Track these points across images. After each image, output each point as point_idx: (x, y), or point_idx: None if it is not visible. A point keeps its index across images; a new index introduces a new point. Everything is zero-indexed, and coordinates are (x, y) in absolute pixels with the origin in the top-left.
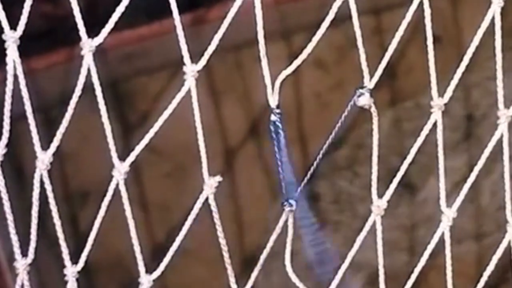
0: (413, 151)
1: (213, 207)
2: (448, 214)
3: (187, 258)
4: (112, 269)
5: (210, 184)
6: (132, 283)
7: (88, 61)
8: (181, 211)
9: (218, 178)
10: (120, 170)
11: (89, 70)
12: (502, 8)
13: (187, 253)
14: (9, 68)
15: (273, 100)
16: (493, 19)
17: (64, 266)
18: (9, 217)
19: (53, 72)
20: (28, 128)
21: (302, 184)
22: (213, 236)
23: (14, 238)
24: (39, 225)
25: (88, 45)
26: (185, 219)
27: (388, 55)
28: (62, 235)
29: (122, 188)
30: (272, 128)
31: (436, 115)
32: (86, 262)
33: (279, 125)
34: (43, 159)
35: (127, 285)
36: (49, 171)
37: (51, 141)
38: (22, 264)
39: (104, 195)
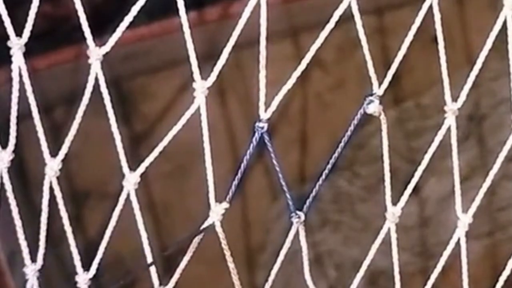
0: (427, 156)
1: (220, 233)
2: (464, 220)
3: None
4: (113, 269)
5: (217, 211)
6: (132, 283)
7: (95, 70)
8: (183, 211)
9: (225, 205)
10: (130, 180)
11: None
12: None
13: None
14: (15, 75)
15: (267, 111)
16: (505, 22)
17: (66, 266)
18: (18, 223)
19: (55, 72)
20: (30, 128)
21: (311, 196)
22: (213, 236)
23: (23, 244)
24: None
25: (95, 54)
26: (190, 238)
27: (397, 61)
28: (74, 241)
29: (134, 199)
30: (266, 138)
31: (450, 120)
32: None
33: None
34: (52, 166)
35: (128, 285)
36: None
37: (54, 140)
38: (31, 270)
39: (106, 196)
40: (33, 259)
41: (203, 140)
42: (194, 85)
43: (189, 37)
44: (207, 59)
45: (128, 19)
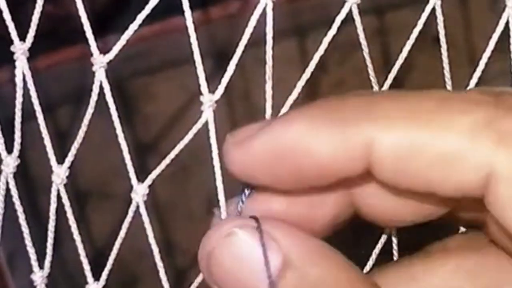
0: None
1: None
2: None
3: (187, 257)
4: (112, 268)
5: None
6: (132, 283)
7: (100, 78)
8: (185, 211)
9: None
10: (139, 192)
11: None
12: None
13: (187, 253)
14: (18, 80)
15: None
16: (507, 23)
17: (67, 269)
18: (25, 230)
19: (55, 72)
20: (31, 129)
21: None
22: None
23: (31, 251)
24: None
25: (99, 61)
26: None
27: (398, 64)
28: (83, 251)
29: (143, 211)
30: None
31: None
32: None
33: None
34: (59, 173)
35: (127, 284)
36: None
37: (55, 141)
38: (39, 276)
39: (107, 198)
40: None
41: (211, 149)
42: (202, 98)
43: (196, 48)
44: (210, 58)
45: (133, 27)
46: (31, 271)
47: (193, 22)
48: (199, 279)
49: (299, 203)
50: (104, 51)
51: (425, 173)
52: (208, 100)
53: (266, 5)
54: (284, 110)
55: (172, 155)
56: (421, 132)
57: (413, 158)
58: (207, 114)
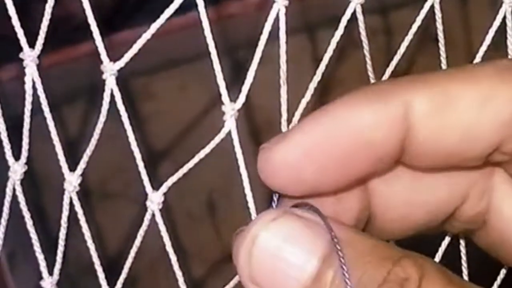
0: None
1: None
2: None
3: (187, 258)
4: (112, 269)
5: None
6: (131, 283)
7: (110, 86)
8: (183, 213)
9: None
10: (154, 200)
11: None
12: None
13: (187, 253)
14: (28, 87)
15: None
16: (504, 18)
17: (68, 270)
18: (34, 237)
19: (57, 71)
20: (34, 129)
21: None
22: (213, 236)
23: (40, 257)
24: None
25: (109, 69)
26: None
27: (395, 60)
28: (98, 260)
29: (159, 220)
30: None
31: None
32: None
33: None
34: (71, 180)
35: (126, 284)
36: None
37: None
38: (48, 283)
39: (108, 196)
40: (31, 259)
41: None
42: (223, 108)
43: (215, 56)
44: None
45: (146, 35)
46: (31, 271)
47: (196, 22)
48: (235, 280)
49: (326, 210)
50: (107, 50)
51: (462, 120)
52: (230, 109)
53: (279, 10)
54: (299, 112)
55: (190, 164)
56: (454, 83)
57: (450, 108)
58: (230, 124)
